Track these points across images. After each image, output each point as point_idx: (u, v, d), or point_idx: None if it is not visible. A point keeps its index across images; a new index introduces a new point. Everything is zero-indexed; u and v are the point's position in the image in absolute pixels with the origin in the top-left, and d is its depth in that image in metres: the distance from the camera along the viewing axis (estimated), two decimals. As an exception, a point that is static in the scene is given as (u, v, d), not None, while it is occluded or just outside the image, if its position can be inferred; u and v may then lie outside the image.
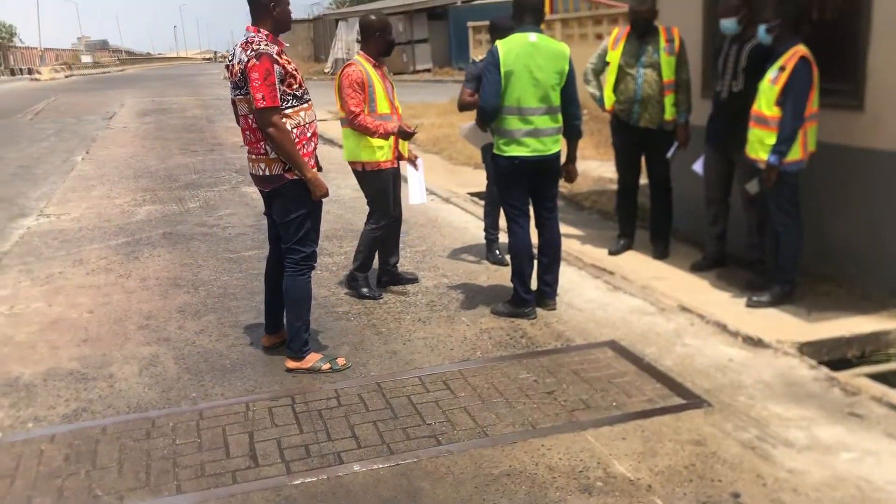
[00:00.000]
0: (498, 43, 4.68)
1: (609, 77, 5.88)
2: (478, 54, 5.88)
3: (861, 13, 4.67)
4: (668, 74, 5.62)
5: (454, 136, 11.11)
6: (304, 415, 3.71)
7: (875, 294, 4.80)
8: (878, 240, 4.79)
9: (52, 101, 26.89)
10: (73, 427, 3.67)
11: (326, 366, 4.19)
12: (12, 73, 63.74)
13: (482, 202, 6.73)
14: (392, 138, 5.10)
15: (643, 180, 6.14)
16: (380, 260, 5.51)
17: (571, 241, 6.44)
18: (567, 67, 4.68)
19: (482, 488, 3.08)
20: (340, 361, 4.25)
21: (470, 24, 24.34)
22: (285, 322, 4.30)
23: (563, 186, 6.61)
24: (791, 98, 4.52)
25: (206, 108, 21.64)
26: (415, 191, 5.43)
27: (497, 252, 6.06)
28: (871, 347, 4.45)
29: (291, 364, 4.21)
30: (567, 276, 5.47)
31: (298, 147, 3.93)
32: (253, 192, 8.79)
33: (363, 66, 5.00)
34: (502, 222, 5.33)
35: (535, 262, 5.00)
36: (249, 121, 3.97)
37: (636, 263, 5.89)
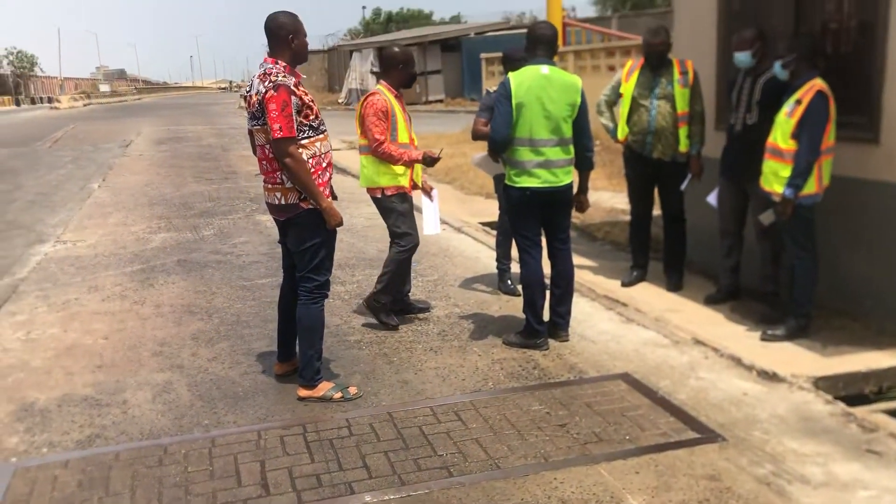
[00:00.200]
0: (510, 75, 4.73)
1: (622, 109, 5.91)
2: (491, 85, 5.94)
3: (876, 47, 4.70)
4: (682, 106, 5.66)
5: (466, 166, 11.17)
6: (316, 444, 3.70)
7: (891, 329, 4.76)
8: (894, 274, 4.76)
9: (71, 129, 27.30)
10: (87, 453, 3.68)
11: (338, 395, 4.19)
12: (32, 101, 64.83)
13: (494, 232, 6.75)
14: (409, 167, 5.14)
15: (656, 211, 6.15)
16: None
17: (584, 272, 6.43)
18: (579, 100, 4.72)
19: (494, 521, 3.05)
20: (352, 390, 4.24)
21: (483, 55, 24.58)
22: (298, 350, 4.31)
23: (576, 217, 6.62)
24: (807, 131, 4.53)
25: (220, 137, 21.89)
26: (429, 221, 5.45)
27: (509, 282, 6.06)
28: (889, 383, 4.40)
29: (303, 392, 4.21)
30: (580, 307, 5.46)
31: (314, 177, 3.97)
32: (267, 220, 8.86)
33: (386, 95, 5.07)
34: (514, 252, 5.34)
35: (548, 293, 5.00)
36: (266, 151, 4.01)
37: (649, 295, 5.87)
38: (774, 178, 4.71)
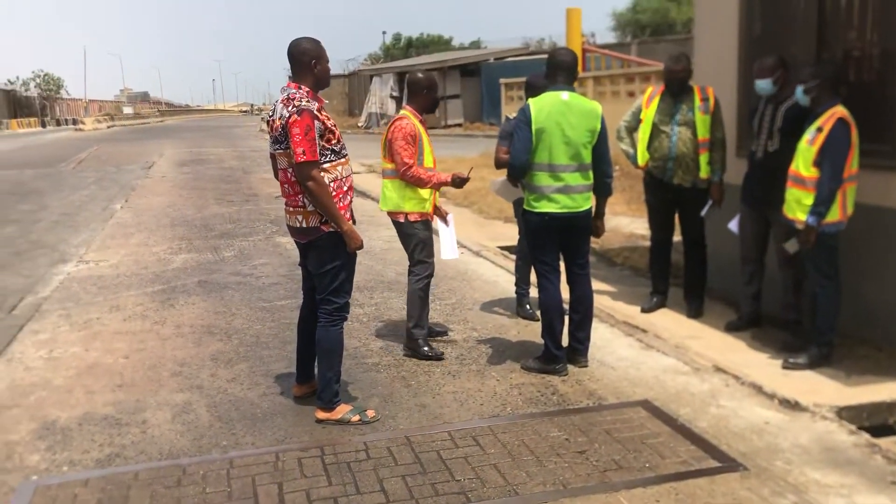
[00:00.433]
0: (530, 101, 4.76)
1: (643, 134, 5.93)
2: (511, 111, 5.97)
3: (897, 75, 4.68)
4: (702, 133, 5.66)
5: (485, 190, 11.19)
6: (333, 466, 3.70)
7: (916, 358, 4.70)
8: (918, 303, 4.70)
9: (94, 150, 27.71)
10: (106, 472, 3.70)
11: (356, 417, 4.19)
12: (58, 123, 65.96)
13: (512, 256, 6.75)
14: (432, 191, 5.17)
15: (676, 237, 6.13)
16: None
17: (603, 297, 6.41)
18: (599, 126, 4.74)
19: (512, 548, 3.02)
20: (370, 413, 4.24)
21: (503, 80, 24.70)
22: (317, 372, 4.32)
23: (595, 242, 6.60)
24: (829, 159, 4.51)
25: (242, 160, 22.12)
26: (446, 246, 5.45)
27: (528, 307, 6.05)
28: (914, 414, 4.33)
29: (321, 415, 4.22)
30: (599, 332, 5.44)
31: (335, 200, 4.01)
32: (287, 242, 8.92)
33: (412, 120, 5.12)
34: (533, 277, 5.33)
35: (567, 318, 4.98)
36: (289, 174, 4.06)
37: (670, 321, 5.84)
38: (797, 205, 4.69)
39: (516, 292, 6.16)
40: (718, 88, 5.87)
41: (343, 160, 4.13)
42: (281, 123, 3.97)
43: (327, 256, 4.11)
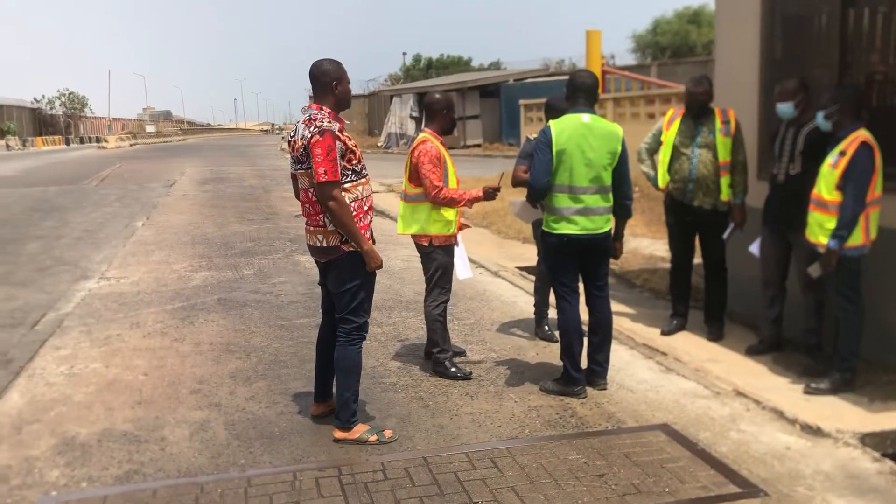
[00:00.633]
0: (551, 122, 4.77)
1: (663, 157, 5.92)
2: (530, 132, 6.00)
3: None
4: (723, 155, 5.64)
5: (504, 210, 11.21)
6: (351, 487, 3.69)
7: (941, 385, 4.62)
8: (943, 328, 4.63)
9: (117, 168, 28.07)
10: (125, 489, 3.71)
11: (373, 437, 4.18)
12: (81, 140, 66.94)
13: (531, 276, 6.74)
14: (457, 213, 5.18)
15: (697, 260, 6.10)
16: (428, 334, 5.51)
17: (623, 319, 6.37)
18: (619, 148, 4.74)
19: (530, 573, 2.99)
20: (387, 434, 4.23)
21: (522, 101, 24.80)
22: (335, 391, 4.32)
23: (614, 264, 6.58)
24: (852, 183, 4.48)
25: (262, 178, 22.31)
26: (460, 266, 5.45)
27: (546, 328, 6.03)
28: (939, 441, 4.26)
29: (339, 434, 4.21)
30: (618, 355, 5.40)
31: (356, 220, 4.03)
32: (306, 260, 8.97)
33: (434, 142, 5.14)
34: (552, 298, 5.31)
35: (586, 340, 4.96)
36: (310, 194, 4.09)
37: (690, 345, 5.79)
38: (820, 229, 4.66)
39: (535, 313, 6.14)
40: (739, 111, 5.86)
41: (364, 180, 4.16)
42: (303, 143, 4.01)
43: (347, 276, 4.12)
